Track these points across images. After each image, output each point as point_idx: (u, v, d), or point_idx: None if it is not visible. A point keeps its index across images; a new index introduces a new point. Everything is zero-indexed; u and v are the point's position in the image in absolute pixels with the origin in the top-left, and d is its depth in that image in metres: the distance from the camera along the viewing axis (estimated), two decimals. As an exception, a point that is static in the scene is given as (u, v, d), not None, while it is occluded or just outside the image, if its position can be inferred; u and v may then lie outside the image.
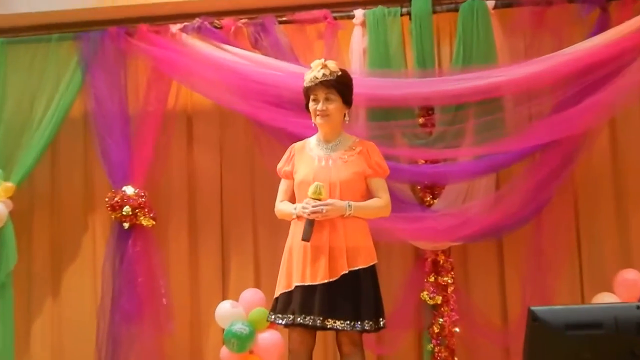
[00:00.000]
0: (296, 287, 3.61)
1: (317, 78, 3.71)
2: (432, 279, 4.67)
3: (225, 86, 4.82)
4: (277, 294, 3.72)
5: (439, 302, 4.64)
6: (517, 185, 4.59)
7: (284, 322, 3.65)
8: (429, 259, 4.69)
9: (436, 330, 4.64)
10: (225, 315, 4.66)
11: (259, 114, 4.72)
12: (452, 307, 4.64)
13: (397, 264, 4.89)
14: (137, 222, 4.86)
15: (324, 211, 3.57)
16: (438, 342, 4.64)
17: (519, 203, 4.54)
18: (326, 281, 3.57)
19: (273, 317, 3.71)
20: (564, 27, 4.69)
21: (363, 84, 4.63)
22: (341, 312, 3.57)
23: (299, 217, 3.67)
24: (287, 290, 3.65)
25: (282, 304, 3.66)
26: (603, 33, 4.55)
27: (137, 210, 4.84)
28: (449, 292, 4.65)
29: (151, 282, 4.87)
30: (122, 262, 4.85)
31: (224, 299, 4.93)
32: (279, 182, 3.94)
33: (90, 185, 5.21)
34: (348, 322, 3.57)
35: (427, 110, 4.72)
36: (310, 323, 3.56)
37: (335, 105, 3.73)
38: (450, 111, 4.64)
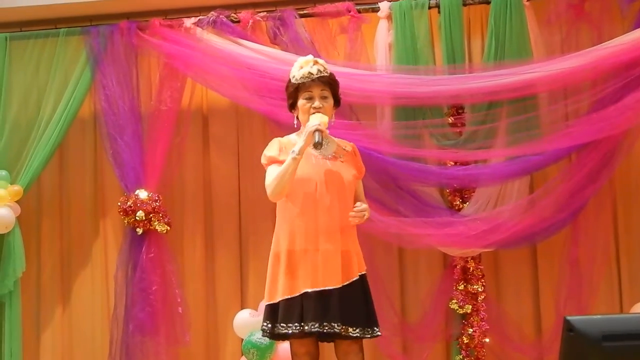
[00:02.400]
0: (305, 293, 3.64)
1: (312, 74, 3.80)
2: (461, 287, 4.81)
3: (242, 83, 4.97)
4: (274, 300, 3.71)
5: (468, 311, 4.77)
6: (552, 189, 4.71)
7: (290, 332, 3.64)
8: (458, 266, 4.82)
9: (465, 341, 4.78)
10: (244, 324, 4.84)
11: (277, 112, 4.80)
12: (482, 316, 4.76)
13: (424, 271, 5.04)
14: (151, 228, 5.02)
15: (365, 217, 3.73)
16: (467, 353, 4.78)
17: (554, 207, 4.66)
18: (340, 286, 3.65)
19: (269, 326, 3.70)
20: (604, 19, 4.79)
21: (389, 81, 4.82)
22: (355, 318, 3.66)
23: (300, 153, 3.66)
24: (290, 296, 3.66)
25: (285, 312, 3.67)
26: (646, 26, 4.65)
27: (150, 215, 5.00)
28: (479, 300, 4.79)
29: (166, 291, 5.03)
30: (135, 269, 5.00)
31: (242, 307, 5.11)
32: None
33: (101, 189, 5.37)
34: (360, 329, 3.66)
35: (457, 109, 4.85)
36: (326, 330, 3.59)
37: (329, 104, 3.83)
38: (481, 110, 4.76)
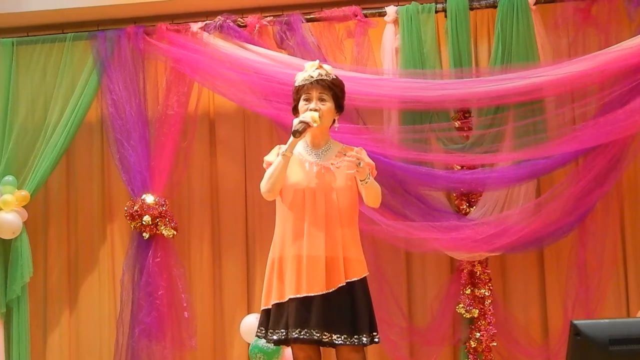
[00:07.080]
0: (290, 299, 3.69)
1: (312, 77, 3.85)
2: (468, 291, 4.84)
3: (249, 88, 5.02)
4: (268, 305, 3.79)
5: (475, 315, 4.80)
6: (559, 193, 4.74)
7: (276, 338, 3.72)
8: (465, 270, 4.85)
9: (473, 345, 4.81)
10: (251, 329, 4.83)
11: (284, 116, 4.82)
12: (489, 320, 4.80)
13: (431, 275, 5.08)
14: (158, 232, 5.07)
15: (361, 165, 3.70)
16: (475, 357, 4.81)
17: (561, 211, 4.69)
18: (323, 293, 3.67)
19: (264, 331, 3.78)
20: (611, 23, 4.82)
21: (395, 85, 4.86)
22: (338, 325, 3.67)
23: (288, 150, 3.72)
24: (280, 302, 3.73)
25: (274, 317, 3.74)
26: (653, 29, 4.68)
27: (157, 220, 5.05)
28: (486, 305, 4.82)
29: (172, 295, 5.07)
30: (141, 274, 5.04)
31: (249, 312, 5.15)
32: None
33: (108, 193, 5.43)
34: (345, 335, 3.67)
35: (464, 113, 4.89)
36: (307, 337, 3.64)
37: (327, 107, 3.84)
38: (488, 114, 4.79)
